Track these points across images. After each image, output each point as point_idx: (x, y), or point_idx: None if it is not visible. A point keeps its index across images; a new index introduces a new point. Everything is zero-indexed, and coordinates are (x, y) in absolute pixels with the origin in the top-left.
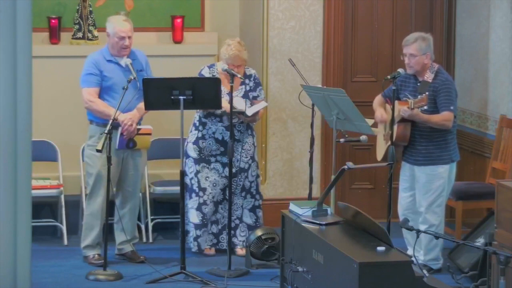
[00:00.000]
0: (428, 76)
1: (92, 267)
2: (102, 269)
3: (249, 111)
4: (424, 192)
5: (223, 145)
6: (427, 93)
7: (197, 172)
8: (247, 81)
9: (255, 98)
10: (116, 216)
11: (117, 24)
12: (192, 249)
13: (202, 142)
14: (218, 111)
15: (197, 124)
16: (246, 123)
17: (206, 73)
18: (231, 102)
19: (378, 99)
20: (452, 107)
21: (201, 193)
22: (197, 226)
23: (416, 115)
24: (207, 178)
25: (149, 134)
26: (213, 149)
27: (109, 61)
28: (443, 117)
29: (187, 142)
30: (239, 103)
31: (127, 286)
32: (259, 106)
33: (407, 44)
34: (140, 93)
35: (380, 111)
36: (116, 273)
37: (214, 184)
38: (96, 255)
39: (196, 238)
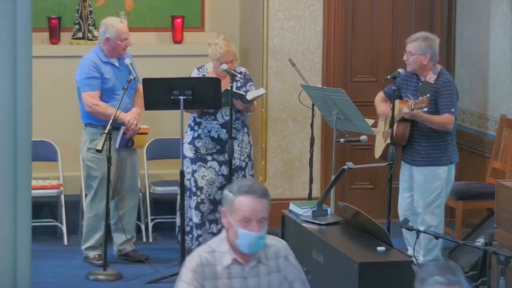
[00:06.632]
0: (430, 77)
1: (92, 267)
2: (102, 269)
3: (249, 95)
4: (422, 193)
5: (219, 143)
6: (428, 95)
7: (194, 171)
8: (237, 78)
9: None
10: (114, 217)
11: (119, 27)
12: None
13: (198, 142)
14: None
15: (192, 125)
16: (242, 120)
17: (195, 75)
18: (231, 101)
19: (379, 96)
20: (453, 109)
21: (198, 192)
22: (197, 226)
23: (417, 115)
24: (203, 177)
25: (146, 133)
26: (209, 148)
27: (105, 62)
28: (444, 119)
29: (183, 143)
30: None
31: (127, 286)
32: (258, 92)
33: (409, 41)
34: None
35: (382, 106)
36: (116, 273)
37: (211, 183)
38: (97, 255)
39: (197, 238)
